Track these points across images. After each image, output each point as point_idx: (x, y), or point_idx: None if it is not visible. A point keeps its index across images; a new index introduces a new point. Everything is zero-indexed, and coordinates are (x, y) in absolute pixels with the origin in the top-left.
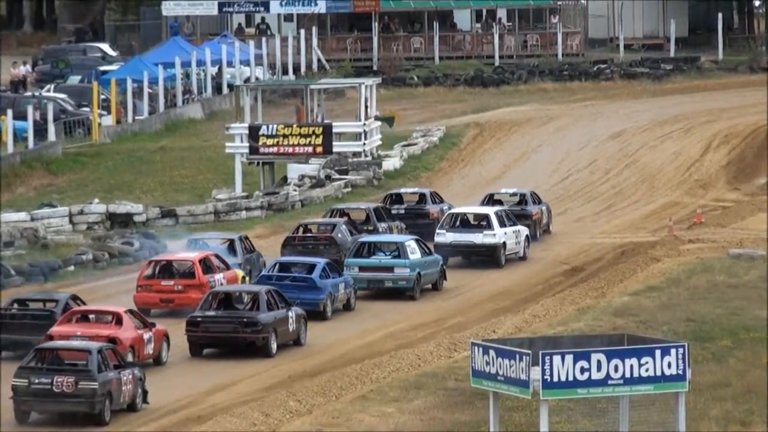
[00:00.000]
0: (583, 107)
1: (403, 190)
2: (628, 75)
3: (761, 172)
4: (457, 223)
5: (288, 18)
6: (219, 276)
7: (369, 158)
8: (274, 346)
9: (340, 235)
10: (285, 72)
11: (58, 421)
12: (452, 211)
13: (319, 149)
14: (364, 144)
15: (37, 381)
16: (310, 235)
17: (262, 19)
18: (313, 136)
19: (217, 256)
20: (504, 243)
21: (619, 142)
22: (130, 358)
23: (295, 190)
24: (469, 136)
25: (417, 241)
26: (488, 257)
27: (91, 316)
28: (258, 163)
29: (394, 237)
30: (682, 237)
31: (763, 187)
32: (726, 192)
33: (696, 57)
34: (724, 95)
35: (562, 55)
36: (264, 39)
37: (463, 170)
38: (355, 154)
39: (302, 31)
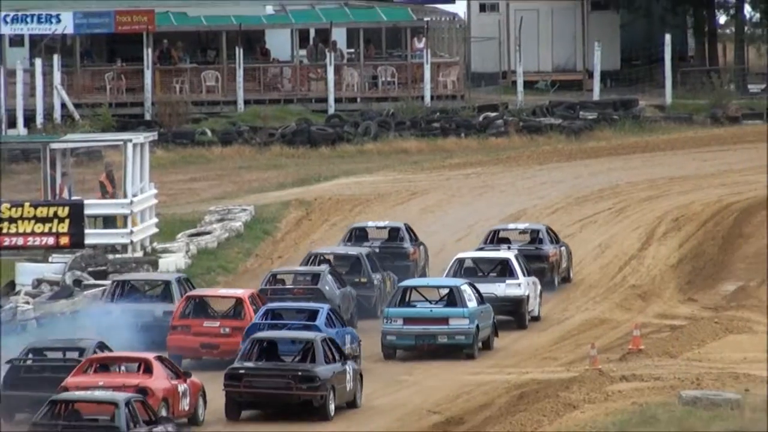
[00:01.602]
0: (463, 177)
1: (370, 224)
2: (530, 128)
3: (729, 274)
4: (466, 270)
5: (16, 42)
6: (280, 303)
7: (140, 255)
8: (332, 406)
9: (327, 287)
10: (12, 124)
11: None
12: (460, 255)
13: (65, 240)
14: (132, 233)
15: None
16: (288, 287)
17: None
18: (56, 221)
19: (260, 296)
20: (528, 296)
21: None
22: (164, 414)
23: (27, 303)
24: (289, 221)
25: (470, 285)
26: (511, 314)
27: (113, 366)
28: None
29: (446, 280)
30: (611, 372)
31: (732, 297)
32: (676, 304)
33: (632, 100)
34: (675, 158)
35: (432, 97)
36: None
37: None
38: (119, 249)
39: (38, 61)
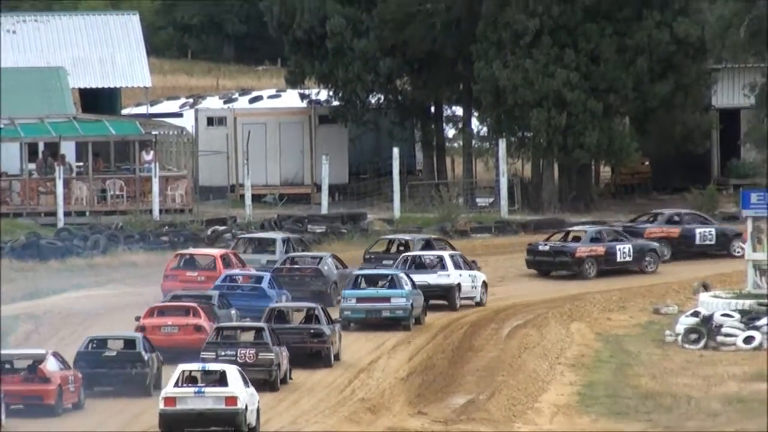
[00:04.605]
0: None
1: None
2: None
3: (458, 387)
4: (411, 265)
5: None
6: (237, 270)
7: None
8: (332, 356)
9: (326, 268)
10: None
11: None
12: (406, 254)
13: None
14: None
15: (223, 353)
16: (297, 266)
17: None
18: None
19: (235, 254)
20: (459, 285)
21: None
22: None
23: None
24: (19, 335)
25: (406, 274)
26: (443, 298)
27: (169, 311)
28: None
29: (389, 270)
30: None
31: (462, 410)
32: (406, 418)
33: (360, 214)
34: None
35: (161, 211)
36: None
37: None
38: None
39: None
